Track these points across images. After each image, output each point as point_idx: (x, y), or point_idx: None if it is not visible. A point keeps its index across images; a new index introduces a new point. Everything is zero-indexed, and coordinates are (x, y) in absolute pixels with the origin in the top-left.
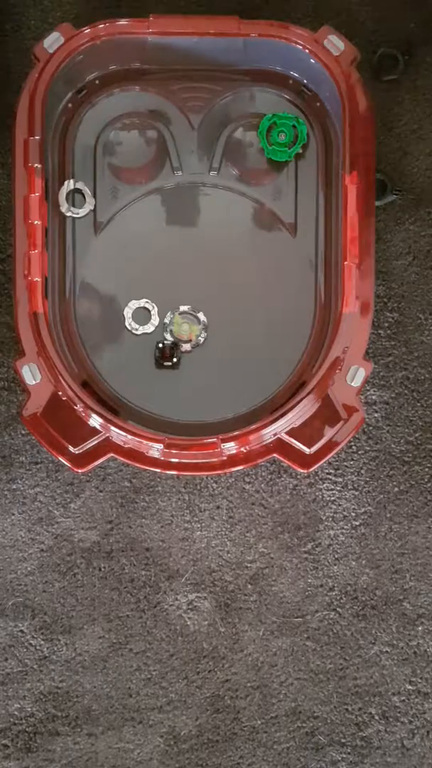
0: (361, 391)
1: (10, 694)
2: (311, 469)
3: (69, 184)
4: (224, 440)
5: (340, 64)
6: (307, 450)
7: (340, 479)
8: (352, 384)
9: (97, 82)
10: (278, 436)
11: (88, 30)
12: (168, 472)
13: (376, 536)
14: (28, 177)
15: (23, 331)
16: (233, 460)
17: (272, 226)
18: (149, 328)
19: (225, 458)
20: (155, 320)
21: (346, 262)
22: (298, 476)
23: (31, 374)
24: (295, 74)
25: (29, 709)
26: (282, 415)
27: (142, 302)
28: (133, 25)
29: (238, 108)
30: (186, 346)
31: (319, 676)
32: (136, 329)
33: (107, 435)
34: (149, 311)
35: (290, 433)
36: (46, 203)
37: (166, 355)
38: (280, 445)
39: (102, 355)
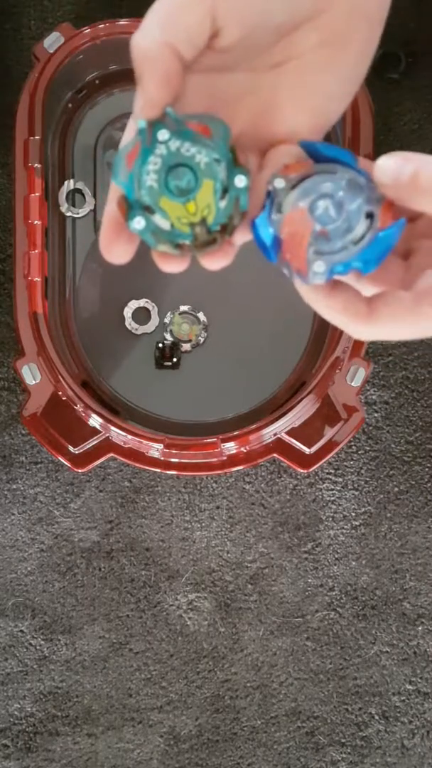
0: (361, 391)
1: (10, 694)
2: (311, 469)
3: (69, 184)
4: (224, 440)
5: None
6: (307, 450)
7: (340, 479)
8: (352, 384)
9: (97, 82)
10: (278, 436)
11: (88, 30)
12: (168, 472)
13: (376, 536)
14: (28, 177)
15: (23, 331)
16: (233, 460)
17: None
18: (149, 328)
19: (225, 458)
20: (155, 320)
21: None
22: (298, 476)
23: (31, 374)
24: None
25: (29, 709)
26: (282, 415)
27: (142, 302)
28: (133, 25)
29: None
30: (186, 346)
31: (319, 676)
32: (136, 329)
33: (107, 435)
34: (149, 311)
35: (290, 433)
36: (46, 203)
37: (166, 355)
38: (280, 445)
39: (102, 355)
